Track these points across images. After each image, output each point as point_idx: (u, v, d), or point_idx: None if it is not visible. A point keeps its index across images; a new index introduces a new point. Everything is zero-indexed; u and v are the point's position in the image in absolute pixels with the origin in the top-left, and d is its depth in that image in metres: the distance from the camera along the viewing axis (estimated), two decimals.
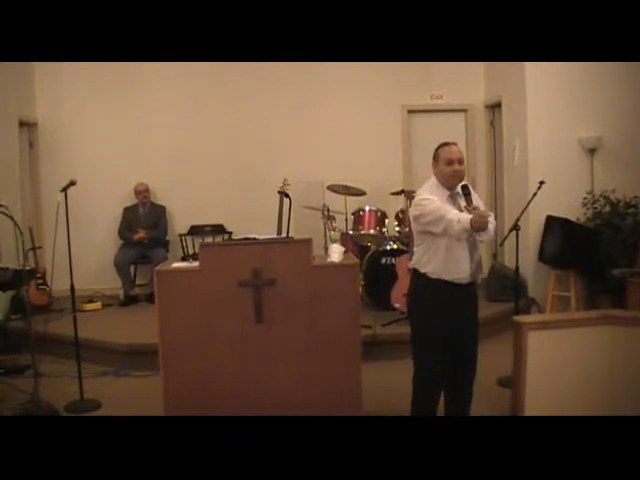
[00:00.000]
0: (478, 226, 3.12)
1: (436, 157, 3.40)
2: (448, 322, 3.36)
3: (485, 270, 7.10)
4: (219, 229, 7.61)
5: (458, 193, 3.37)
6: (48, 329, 5.46)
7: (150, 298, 6.62)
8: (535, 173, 5.98)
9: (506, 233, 5.11)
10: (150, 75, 7.37)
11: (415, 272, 3.48)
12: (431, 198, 3.30)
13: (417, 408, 3.51)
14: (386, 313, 5.86)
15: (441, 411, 3.57)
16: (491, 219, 3.41)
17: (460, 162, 3.34)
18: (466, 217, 3.14)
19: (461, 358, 3.47)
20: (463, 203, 3.30)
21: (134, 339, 5.49)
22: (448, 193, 3.36)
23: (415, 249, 3.50)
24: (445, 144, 3.41)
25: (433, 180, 3.42)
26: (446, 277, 3.33)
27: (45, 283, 6.66)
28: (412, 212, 3.43)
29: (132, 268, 7.28)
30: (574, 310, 5.90)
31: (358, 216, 6.53)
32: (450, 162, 3.32)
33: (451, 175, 3.32)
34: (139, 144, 7.50)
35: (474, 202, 3.29)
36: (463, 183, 3.35)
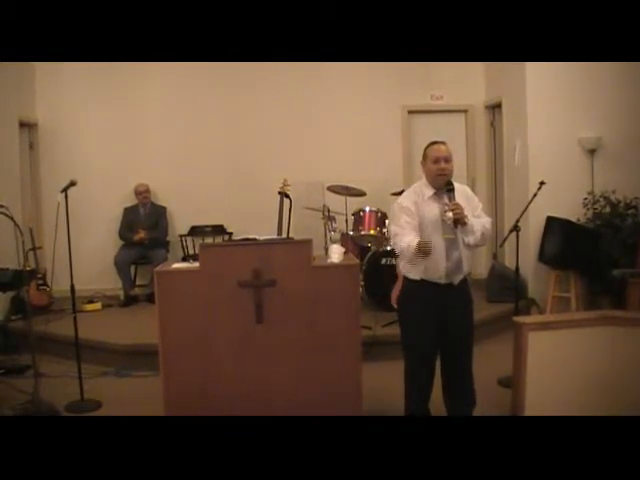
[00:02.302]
0: (423, 252, 3.23)
1: (424, 156, 3.44)
2: (432, 322, 3.36)
3: (485, 271, 7.14)
4: (219, 230, 7.61)
5: (444, 191, 3.38)
6: (48, 329, 5.46)
7: (150, 298, 6.62)
8: (535, 174, 5.98)
9: (506, 234, 5.11)
10: (150, 75, 7.38)
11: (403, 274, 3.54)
12: (402, 205, 3.39)
13: (409, 406, 3.52)
14: (386, 314, 5.84)
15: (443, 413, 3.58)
16: (481, 220, 3.41)
17: (447, 160, 3.36)
18: (413, 243, 3.25)
19: (452, 359, 3.47)
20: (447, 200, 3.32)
21: (134, 339, 5.49)
22: (433, 192, 3.37)
23: None
24: (433, 143, 3.44)
25: (423, 179, 3.45)
26: (422, 276, 3.37)
27: (45, 283, 6.66)
28: None
29: (132, 268, 7.28)
30: (574, 311, 5.90)
31: (358, 217, 6.52)
32: (437, 160, 3.35)
33: (437, 173, 3.34)
34: (139, 145, 7.51)
35: (466, 200, 3.34)
36: (447, 180, 3.35)
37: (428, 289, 3.37)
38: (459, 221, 3.23)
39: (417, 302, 3.42)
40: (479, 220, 3.40)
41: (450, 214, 3.22)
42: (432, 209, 3.34)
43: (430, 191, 3.38)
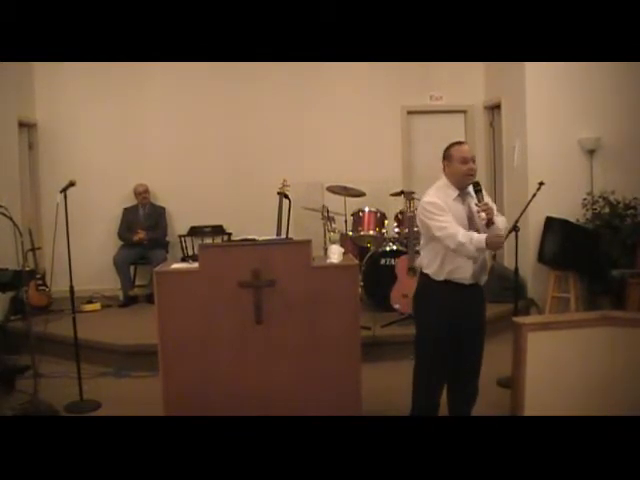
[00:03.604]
0: (495, 246, 3.16)
1: (448, 157, 3.37)
2: (449, 322, 3.35)
3: None
4: (219, 230, 7.61)
5: (468, 193, 3.35)
6: (48, 330, 5.46)
7: (149, 299, 6.62)
8: (534, 174, 5.98)
9: (505, 234, 5.11)
10: (150, 76, 7.37)
11: (421, 272, 3.51)
12: (435, 202, 3.29)
13: (417, 405, 3.52)
14: (386, 314, 5.85)
15: (444, 410, 3.58)
16: (502, 219, 3.40)
17: (473, 160, 3.34)
18: (479, 237, 3.15)
19: (463, 358, 3.46)
20: (474, 201, 3.30)
21: (134, 340, 5.49)
22: (457, 193, 3.34)
23: (422, 251, 3.52)
24: (457, 143, 3.40)
25: (443, 180, 3.39)
26: (447, 277, 3.34)
27: (45, 284, 6.65)
28: (419, 216, 3.41)
29: (132, 269, 7.28)
30: (573, 311, 5.90)
31: (357, 217, 6.53)
32: (465, 161, 3.30)
33: (466, 174, 3.30)
34: (139, 145, 7.50)
35: (485, 199, 3.29)
36: (474, 180, 3.33)
37: (449, 289, 3.35)
38: (490, 221, 3.22)
39: (435, 302, 3.39)
40: (500, 219, 3.37)
41: (483, 214, 3.21)
42: (458, 210, 3.31)
43: (454, 192, 3.34)
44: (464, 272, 3.32)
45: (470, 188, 3.34)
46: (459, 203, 3.34)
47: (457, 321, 3.36)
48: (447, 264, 3.32)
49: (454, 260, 3.31)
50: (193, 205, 7.53)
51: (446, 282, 3.34)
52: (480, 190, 3.29)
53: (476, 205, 3.27)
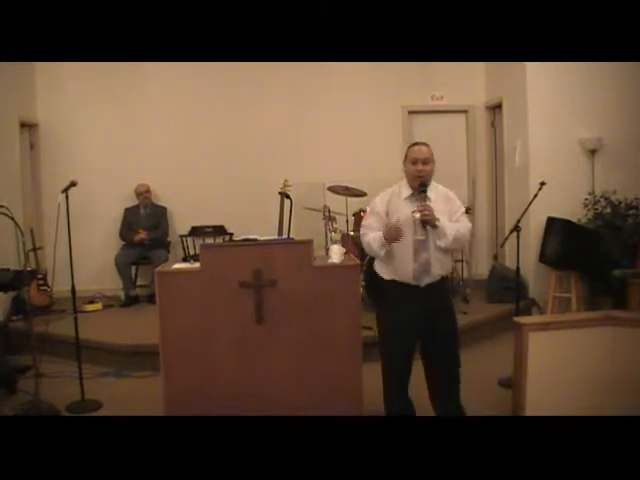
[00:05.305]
0: (390, 236, 3.27)
1: (405, 156, 3.47)
2: (403, 322, 3.37)
3: (486, 271, 7.14)
4: (220, 230, 7.60)
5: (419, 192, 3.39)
6: (49, 330, 5.47)
7: (151, 299, 6.62)
8: (536, 174, 5.98)
9: (507, 234, 5.11)
10: (151, 76, 7.38)
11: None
12: (373, 203, 3.52)
13: (387, 406, 3.54)
14: None
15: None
16: (455, 225, 3.37)
17: (425, 162, 3.36)
18: (379, 234, 3.34)
19: (429, 361, 3.47)
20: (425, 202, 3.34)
21: (135, 340, 5.49)
22: (410, 192, 3.40)
23: None
24: (415, 144, 3.47)
25: (404, 179, 3.48)
26: (392, 276, 3.40)
27: (46, 284, 6.65)
28: None
29: (133, 269, 7.28)
30: (575, 311, 5.89)
31: (359, 217, 6.52)
32: (415, 162, 3.37)
33: (414, 175, 3.37)
34: (140, 145, 7.50)
35: (445, 204, 3.39)
36: (422, 181, 3.36)
37: (399, 289, 3.39)
38: (428, 222, 3.24)
39: (388, 301, 3.46)
40: (453, 224, 3.36)
41: (417, 214, 3.23)
42: (406, 209, 3.35)
43: (407, 191, 3.41)
44: (405, 271, 3.35)
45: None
46: (409, 202, 3.37)
47: (415, 322, 3.36)
48: (389, 262, 3.41)
49: (393, 257, 3.37)
50: (194, 205, 7.53)
51: (394, 282, 3.41)
52: (424, 191, 3.34)
53: (417, 206, 3.29)
